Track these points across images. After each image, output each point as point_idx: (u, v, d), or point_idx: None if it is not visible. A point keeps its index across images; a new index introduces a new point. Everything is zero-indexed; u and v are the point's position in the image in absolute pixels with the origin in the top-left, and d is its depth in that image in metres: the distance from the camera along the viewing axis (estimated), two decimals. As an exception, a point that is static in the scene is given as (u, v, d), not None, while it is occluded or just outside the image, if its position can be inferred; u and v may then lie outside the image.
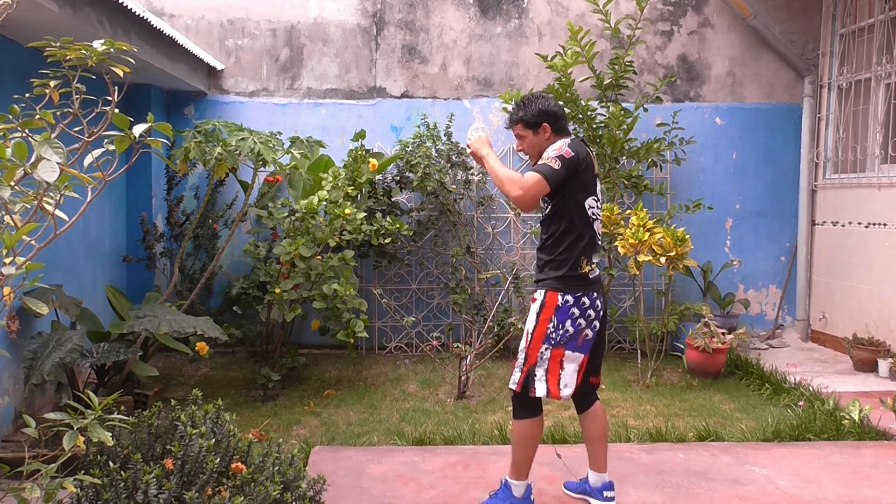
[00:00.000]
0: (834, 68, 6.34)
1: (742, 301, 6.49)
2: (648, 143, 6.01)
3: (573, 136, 3.06)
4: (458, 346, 4.93)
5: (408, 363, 5.87)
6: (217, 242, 6.07)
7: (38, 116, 1.91)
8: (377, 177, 5.88)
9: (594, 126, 5.92)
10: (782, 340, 6.50)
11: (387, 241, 5.38)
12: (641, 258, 5.03)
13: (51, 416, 2.02)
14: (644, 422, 4.38)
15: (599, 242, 3.01)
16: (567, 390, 2.93)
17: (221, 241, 6.04)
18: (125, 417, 2.18)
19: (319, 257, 4.92)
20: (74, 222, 2.01)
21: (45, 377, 3.52)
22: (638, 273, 5.19)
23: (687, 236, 5.04)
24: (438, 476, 3.48)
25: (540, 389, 2.90)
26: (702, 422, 4.29)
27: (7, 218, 1.88)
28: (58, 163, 1.80)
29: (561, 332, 2.88)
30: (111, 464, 2.28)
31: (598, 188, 3.02)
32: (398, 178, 6.02)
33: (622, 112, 5.74)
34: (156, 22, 4.69)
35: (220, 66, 6.23)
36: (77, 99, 1.95)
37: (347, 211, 4.93)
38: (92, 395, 2.16)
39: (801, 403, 4.57)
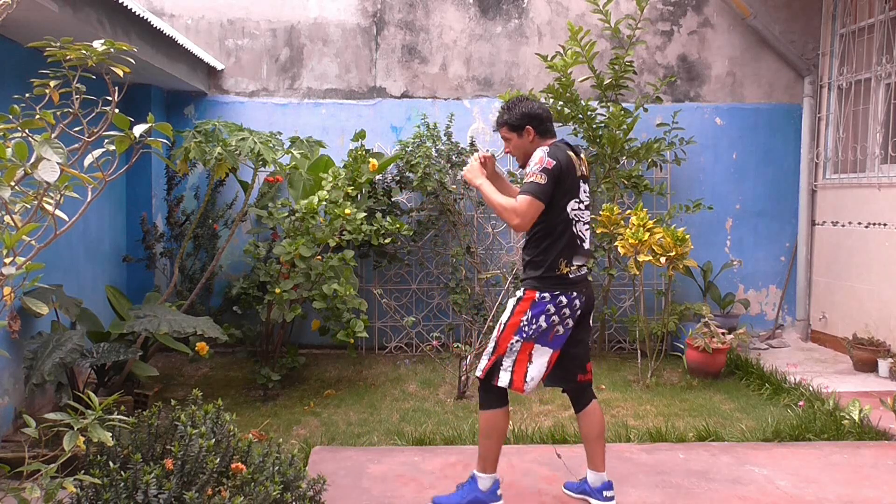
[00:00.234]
0: (834, 68, 6.34)
1: (742, 301, 6.49)
2: (648, 143, 6.01)
3: (557, 139, 3.10)
4: (458, 346, 4.93)
5: (408, 363, 5.87)
6: (217, 242, 6.07)
7: (38, 116, 1.91)
8: (377, 177, 5.88)
9: (594, 126, 5.92)
10: (782, 340, 6.50)
11: (387, 241, 5.38)
12: (641, 258, 5.03)
13: (51, 416, 2.02)
14: (644, 422, 4.38)
15: (584, 244, 3.04)
16: (531, 384, 2.97)
17: (221, 241, 6.04)
18: (125, 417, 2.18)
19: (319, 257, 4.92)
20: (74, 222, 2.01)
21: (46, 377, 3.52)
22: (638, 273, 5.19)
23: (687, 236, 5.04)
24: (438, 476, 3.47)
25: (503, 379, 2.96)
26: (702, 422, 4.29)
27: (7, 218, 1.88)
28: (58, 163, 1.80)
29: (534, 326, 2.94)
30: (111, 464, 2.28)
31: (583, 190, 3.04)
32: (398, 178, 6.03)
33: (622, 112, 5.74)
34: (156, 22, 4.69)
35: (220, 66, 6.24)
36: (77, 99, 1.95)
37: (347, 211, 4.93)
38: (92, 395, 2.16)
39: (801, 403, 4.57)
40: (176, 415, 2.53)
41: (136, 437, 2.47)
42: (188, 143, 4.65)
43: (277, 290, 4.75)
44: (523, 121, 3.06)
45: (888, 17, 5.68)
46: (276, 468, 2.44)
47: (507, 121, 3.10)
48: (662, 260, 4.97)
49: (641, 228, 4.99)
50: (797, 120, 6.54)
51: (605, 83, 5.94)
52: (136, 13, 4.35)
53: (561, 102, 5.88)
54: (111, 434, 2.10)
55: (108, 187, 2.40)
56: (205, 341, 4.68)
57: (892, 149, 5.65)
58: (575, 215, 2.98)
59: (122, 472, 2.22)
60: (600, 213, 5.43)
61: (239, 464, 2.37)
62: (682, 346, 5.60)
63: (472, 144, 6.16)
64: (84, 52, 1.92)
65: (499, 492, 3.06)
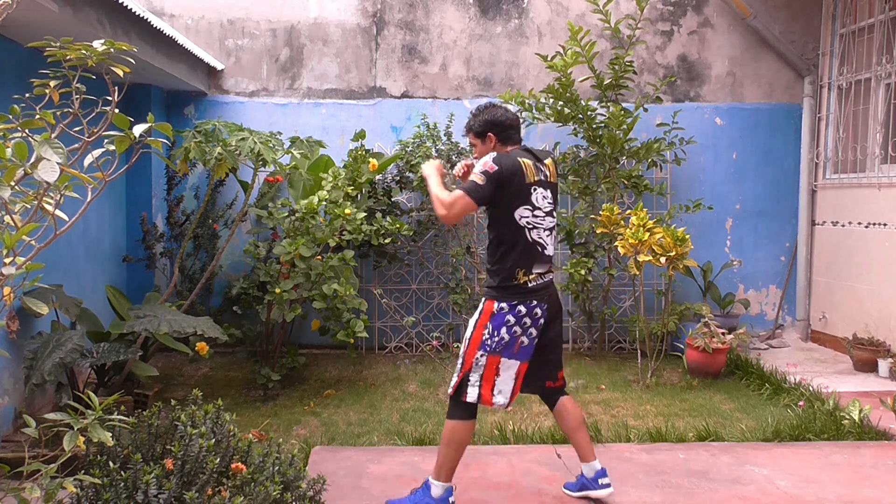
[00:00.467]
0: (834, 68, 6.34)
1: (742, 301, 6.49)
2: (648, 143, 6.01)
3: (520, 146, 3.14)
4: (458, 346, 4.93)
5: (408, 363, 5.87)
6: (217, 242, 6.07)
7: (38, 116, 1.91)
8: (377, 177, 5.88)
9: (594, 126, 5.92)
10: (782, 340, 6.50)
11: (387, 241, 5.38)
12: (641, 258, 5.03)
13: (51, 416, 2.02)
14: (644, 422, 4.38)
15: (546, 251, 3.04)
16: (500, 397, 2.99)
17: (221, 241, 6.04)
18: (125, 417, 2.18)
19: (319, 257, 4.92)
20: (74, 222, 2.01)
21: (45, 377, 3.52)
22: (638, 273, 5.19)
23: (687, 236, 5.03)
24: (438, 476, 3.47)
25: (472, 395, 2.97)
26: (702, 422, 4.29)
27: (7, 218, 1.88)
28: (58, 163, 1.80)
29: (496, 339, 2.96)
30: (111, 464, 2.28)
31: (542, 196, 3.03)
32: (398, 178, 6.02)
33: (622, 112, 5.74)
34: (156, 22, 4.69)
35: (220, 66, 6.24)
36: (77, 99, 1.95)
37: (347, 211, 4.93)
38: (92, 395, 2.16)
39: (801, 403, 4.57)
40: (176, 415, 2.53)
41: (136, 437, 2.47)
42: (188, 143, 4.65)
43: (277, 290, 4.75)
44: (485, 128, 3.13)
45: (888, 17, 5.68)
46: (276, 468, 2.44)
47: (471, 128, 3.20)
48: (662, 260, 4.97)
49: (641, 228, 4.99)
50: (797, 120, 6.54)
51: (605, 83, 5.94)
52: (136, 13, 4.35)
53: (561, 102, 5.88)
54: (111, 434, 2.10)
55: (108, 187, 2.41)
56: (205, 341, 4.68)
57: (892, 149, 5.65)
58: (527, 222, 2.98)
59: (122, 472, 2.22)
60: (600, 213, 5.44)
61: (239, 464, 2.37)
62: (682, 346, 5.60)
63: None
64: (84, 52, 1.92)
65: (451, 499, 3.04)
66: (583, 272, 5.73)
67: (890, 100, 5.70)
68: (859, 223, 5.92)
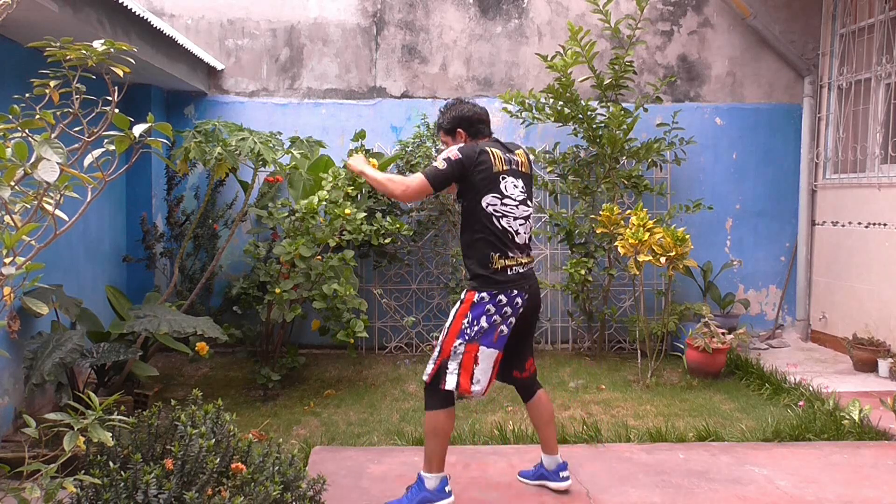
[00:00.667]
0: (834, 68, 6.34)
1: (742, 301, 6.49)
2: (648, 143, 6.01)
3: (490, 140, 3.19)
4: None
5: (408, 363, 5.87)
6: (217, 242, 6.07)
7: (38, 116, 1.91)
8: (377, 177, 5.86)
9: (594, 126, 5.92)
10: (782, 340, 6.50)
11: (387, 241, 5.38)
12: (641, 258, 5.03)
13: (51, 416, 2.02)
14: (644, 422, 4.38)
15: (518, 238, 3.08)
16: (478, 386, 3.02)
17: (221, 241, 6.04)
18: (125, 418, 2.18)
19: (319, 257, 4.92)
20: (74, 222, 2.01)
21: (45, 377, 3.52)
22: (638, 273, 5.19)
23: (687, 236, 5.03)
24: (438, 476, 3.47)
25: (450, 382, 2.99)
26: (702, 422, 4.29)
27: (7, 218, 1.88)
28: (58, 163, 1.80)
29: (476, 327, 3.00)
30: (111, 464, 2.28)
31: (512, 185, 3.09)
32: (398, 178, 6.02)
33: (622, 112, 5.74)
34: (156, 22, 4.69)
35: (220, 66, 6.24)
36: (77, 99, 1.95)
37: (347, 211, 4.93)
38: (92, 395, 2.16)
39: (801, 403, 4.57)
40: (176, 415, 2.53)
41: (136, 437, 2.47)
42: (188, 143, 4.65)
43: (277, 290, 4.75)
44: (454, 124, 3.19)
45: (888, 17, 5.68)
46: (276, 468, 2.44)
47: (440, 125, 3.25)
48: (662, 260, 4.97)
49: (641, 228, 4.99)
50: (797, 120, 6.54)
51: (605, 83, 5.94)
52: (136, 13, 4.35)
53: (561, 102, 5.88)
54: (111, 434, 2.10)
55: (108, 187, 2.41)
56: (205, 341, 4.68)
57: (892, 149, 5.65)
58: (495, 209, 3.03)
59: (122, 472, 2.22)
60: (600, 213, 5.44)
61: (239, 464, 2.37)
62: (682, 346, 5.60)
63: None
64: (84, 52, 1.92)
65: (448, 488, 3.07)
66: (583, 272, 5.73)
67: (890, 100, 5.70)
68: (859, 223, 5.92)
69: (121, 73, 2.00)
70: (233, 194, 6.20)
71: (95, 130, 1.98)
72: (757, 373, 5.24)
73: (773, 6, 6.47)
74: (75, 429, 2.00)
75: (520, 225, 3.09)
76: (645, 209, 5.20)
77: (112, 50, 1.96)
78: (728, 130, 6.57)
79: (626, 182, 6.05)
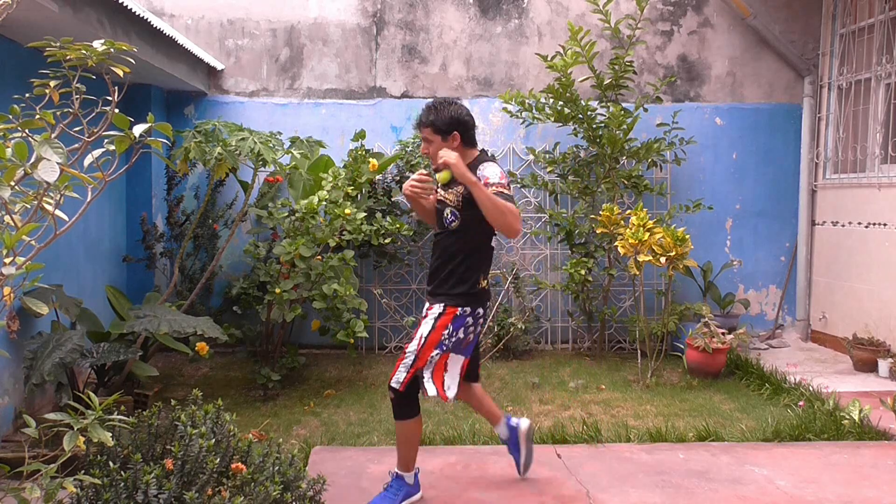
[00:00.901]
0: (834, 68, 6.34)
1: (742, 301, 6.49)
2: (648, 143, 6.01)
3: (481, 149, 3.18)
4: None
5: (408, 363, 5.86)
6: (217, 242, 6.07)
7: (38, 116, 1.91)
8: (377, 177, 5.87)
9: (594, 126, 5.91)
10: (782, 340, 6.50)
11: (387, 241, 5.38)
12: (641, 258, 5.03)
13: (51, 416, 2.02)
14: (644, 422, 4.38)
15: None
16: (451, 391, 3.08)
17: (221, 241, 6.04)
18: (125, 417, 2.18)
19: (319, 257, 4.92)
20: (74, 222, 2.01)
21: (45, 377, 3.52)
22: (638, 273, 5.19)
23: (687, 236, 5.04)
24: (438, 476, 3.48)
25: (430, 390, 3.06)
26: (702, 422, 4.29)
27: (7, 218, 1.88)
28: (58, 163, 1.80)
29: (454, 339, 3.06)
30: (111, 464, 2.28)
31: None
32: (398, 178, 6.02)
33: (622, 112, 5.74)
34: (156, 22, 4.69)
35: (220, 66, 6.23)
36: (77, 99, 1.95)
37: (347, 211, 4.93)
38: (92, 395, 2.16)
39: (801, 403, 4.57)
40: (176, 415, 2.53)
41: (136, 437, 2.47)
42: (188, 143, 4.65)
43: (277, 290, 4.75)
44: (452, 125, 3.04)
45: (888, 17, 5.68)
46: (276, 468, 2.44)
47: (433, 122, 3.03)
48: (662, 260, 4.97)
49: (641, 228, 4.99)
50: (797, 120, 6.54)
51: (605, 83, 5.93)
52: (136, 13, 4.35)
53: (561, 102, 5.88)
54: (111, 434, 2.10)
55: (108, 187, 2.40)
56: (205, 341, 4.68)
57: (892, 149, 5.65)
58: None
59: (122, 472, 2.22)
60: (600, 213, 5.44)
61: (239, 464, 2.37)
62: (682, 346, 5.60)
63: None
64: (84, 52, 1.92)
65: (418, 476, 3.22)
66: (583, 272, 5.73)
67: (890, 100, 5.70)
68: (859, 223, 5.92)
69: (121, 73, 2.00)
70: (233, 194, 6.20)
71: (95, 130, 1.98)
72: (757, 373, 5.24)
73: (773, 6, 6.47)
74: (75, 429, 2.00)
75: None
76: (645, 209, 5.20)
77: (112, 50, 1.96)
78: (728, 130, 6.57)
79: (626, 182, 6.05)
